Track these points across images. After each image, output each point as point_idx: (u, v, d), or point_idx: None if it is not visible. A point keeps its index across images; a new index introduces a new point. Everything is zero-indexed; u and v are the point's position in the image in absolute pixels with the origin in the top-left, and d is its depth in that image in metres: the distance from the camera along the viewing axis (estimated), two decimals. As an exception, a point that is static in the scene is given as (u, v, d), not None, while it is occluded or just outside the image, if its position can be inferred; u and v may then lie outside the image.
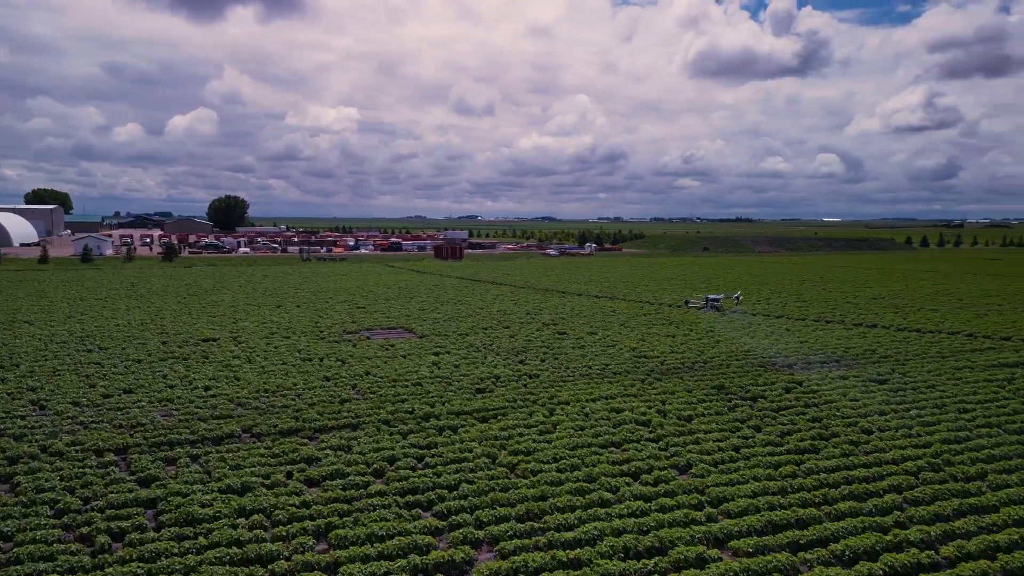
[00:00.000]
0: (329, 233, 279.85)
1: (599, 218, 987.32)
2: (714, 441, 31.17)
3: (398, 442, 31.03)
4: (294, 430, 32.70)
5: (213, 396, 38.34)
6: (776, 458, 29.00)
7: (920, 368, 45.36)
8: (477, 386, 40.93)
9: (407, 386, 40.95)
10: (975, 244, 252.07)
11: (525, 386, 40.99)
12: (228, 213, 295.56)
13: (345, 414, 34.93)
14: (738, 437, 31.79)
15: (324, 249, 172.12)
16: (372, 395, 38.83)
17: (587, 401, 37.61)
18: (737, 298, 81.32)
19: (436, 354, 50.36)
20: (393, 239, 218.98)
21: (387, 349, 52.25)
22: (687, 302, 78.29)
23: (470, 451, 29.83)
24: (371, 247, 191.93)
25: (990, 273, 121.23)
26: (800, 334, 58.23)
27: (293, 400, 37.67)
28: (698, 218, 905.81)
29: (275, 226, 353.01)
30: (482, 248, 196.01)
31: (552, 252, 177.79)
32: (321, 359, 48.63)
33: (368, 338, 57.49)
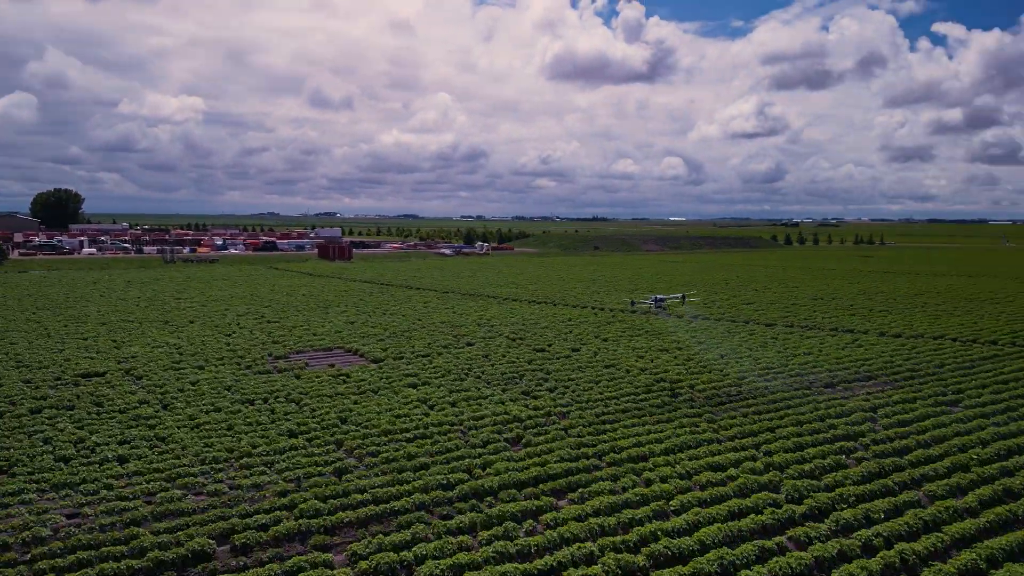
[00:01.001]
0: (182, 231, 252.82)
1: (461, 216, 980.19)
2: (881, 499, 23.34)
3: (470, 549, 20.75)
4: (298, 535, 21.53)
5: (140, 476, 26.00)
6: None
7: (970, 382, 40.28)
8: (504, 434, 31.06)
9: (411, 439, 30.35)
10: (830, 242, 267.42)
11: (567, 432, 31.55)
12: (59, 209, 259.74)
13: (357, 496, 24.05)
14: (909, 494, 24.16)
15: (187, 249, 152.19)
16: (371, 459, 27.99)
17: (664, 453, 28.79)
18: (683, 299, 78.11)
19: (413, 386, 39.71)
20: (266, 238, 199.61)
21: (343, 380, 40.89)
22: (632, 303, 74.31)
23: (589, 559, 20.13)
24: (241, 247, 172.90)
25: (897, 272, 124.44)
26: (793, 344, 52.46)
27: (266, 475, 26.12)
28: (558, 217, 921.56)
29: (115, 223, 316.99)
30: (366, 247, 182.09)
31: (447, 251, 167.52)
32: (264, 399, 36.70)
33: (307, 364, 45.62)
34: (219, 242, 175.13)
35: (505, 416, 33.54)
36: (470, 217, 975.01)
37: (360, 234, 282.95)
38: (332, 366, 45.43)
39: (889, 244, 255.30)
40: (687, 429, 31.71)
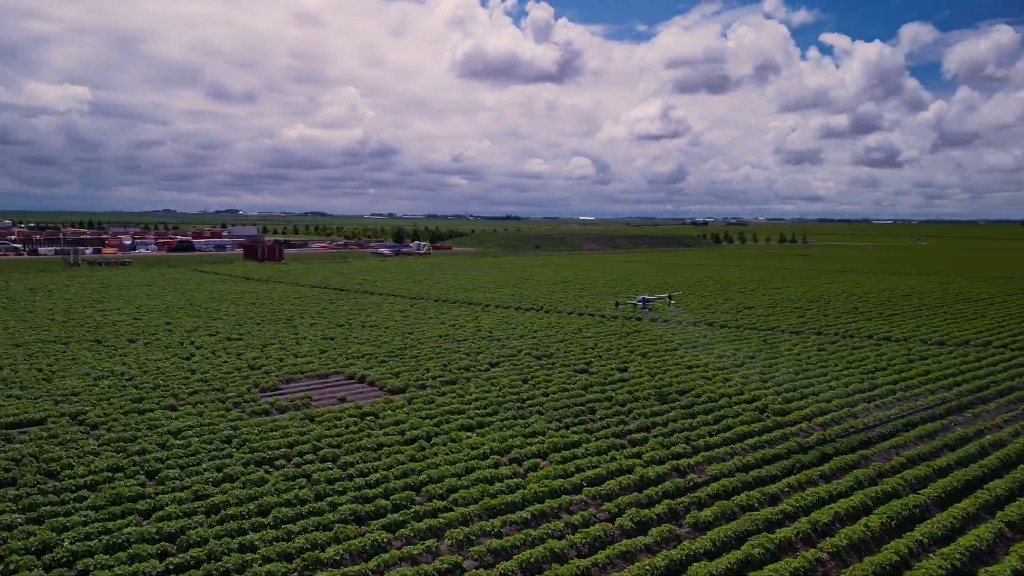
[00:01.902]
0: (75, 229, 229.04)
1: (371, 214, 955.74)
2: None
3: None
4: None
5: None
6: None
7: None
8: (654, 508, 23.02)
9: (530, 522, 21.89)
10: (756, 241, 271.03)
11: (727, 498, 23.79)
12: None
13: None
14: None
15: (91, 250, 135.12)
16: (505, 563, 19.42)
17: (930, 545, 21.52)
18: (669, 299, 74.05)
19: (468, 429, 31.05)
20: (181, 237, 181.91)
21: (373, 422, 31.73)
22: (617, 304, 71.99)
23: None
24: (153, 247, 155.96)
25: (856, 271, 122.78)
26: (852, 357, 46.63)
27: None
28: (471, 215, 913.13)
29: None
30: (292, 247, 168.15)
31: (385, 251, 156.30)
32: (286, 456, 27.24)
33: (311, 400, 36.01)
34: (127, 241, 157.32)
35: (630, 477, 25.40)
36: (381, 215, 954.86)
37: (276, 232, 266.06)
38: (343, 399, 36.04)
39: (811, 243, 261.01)
40: (875, 491, 24.56)
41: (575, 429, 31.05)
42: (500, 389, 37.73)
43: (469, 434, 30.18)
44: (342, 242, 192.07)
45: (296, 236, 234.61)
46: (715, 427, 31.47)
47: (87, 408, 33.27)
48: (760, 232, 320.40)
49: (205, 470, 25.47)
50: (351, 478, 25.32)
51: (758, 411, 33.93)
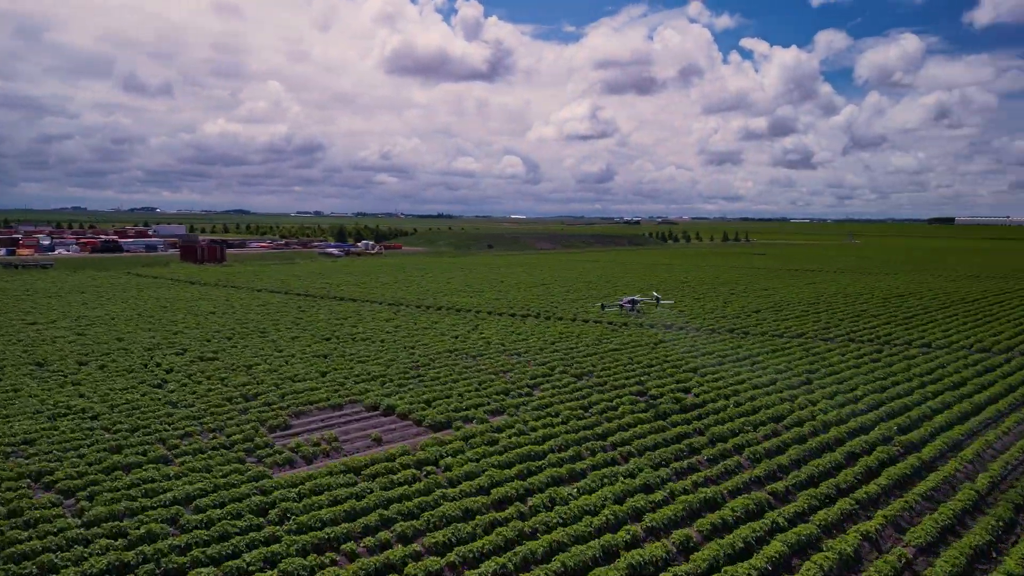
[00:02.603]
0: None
1: (297, 212, 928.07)
2: None
3: None
4: None
5: None
6: None
7: None
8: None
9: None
10: (700, 239, 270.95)
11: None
12: None
13: None
14: None
15: (3, 251, 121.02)
16: None
17: None
18: (657, 300, 70.77)
19: (558, 480, 24.69)
20: (106, 236, 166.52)
21: (433, 471, 25.02)
22: (603, 307, 69.24)
23: None
24: (75, 247, 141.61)
25: (824, 270, 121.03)
26: (928, 369, 42.39)
27: None
28: (402, 214, 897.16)
29: None
30: (231, 247, 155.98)
31: (334, 251, 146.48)
32: (351, 536, 20.28)
33: (338, 442, 28.85)
34: (45, 242, 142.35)
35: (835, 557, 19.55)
36: (307, 213, 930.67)
37: (204, 231, 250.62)
38: (379, 440, 29.07)
39: (753, 242, 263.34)
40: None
41: (693, 478, 25.06)
42: (564, 421, 31.43)
43: (569, 489, 23.80)
44: (282, 242, 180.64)
45: (232, 235, 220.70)
46: (883, 482, 25.98)
47: (51, 463, 25.26)
48: (689, 230, 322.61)
49: (250, 568, 18.27)
50: (458, 571, 18.61)
51: (862, 444, 28.72)
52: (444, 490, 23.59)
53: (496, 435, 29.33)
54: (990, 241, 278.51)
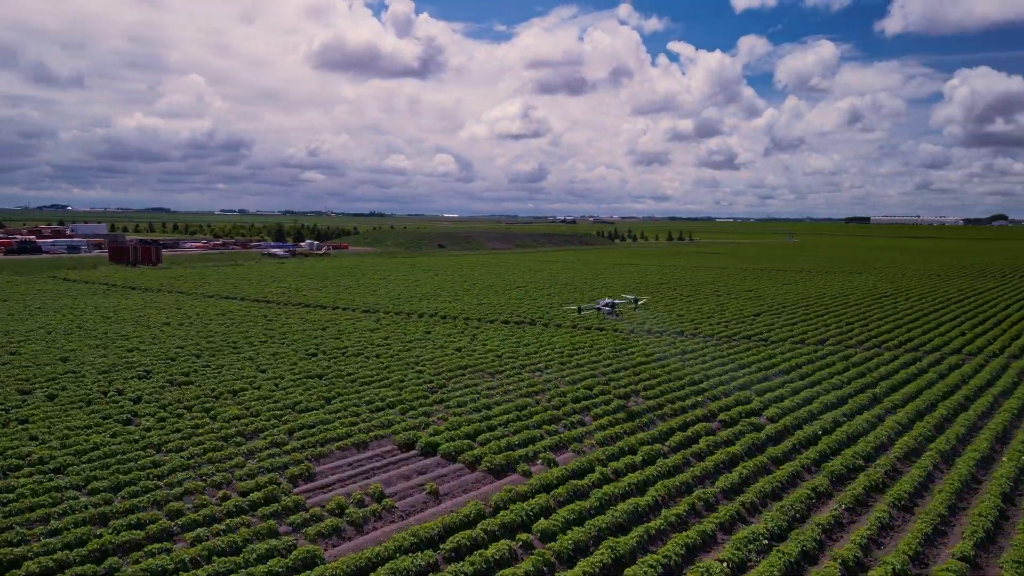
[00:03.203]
0: None
1: (221, 210, 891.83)
2: None
3: None
4: None
5: None
6: None
7: None
8: None
9: None
10: (645, 239, 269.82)
11: None
12: None
13: None
14: None
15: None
16: None
17: None
18: (635, 303, 68.07)
19: (696, 546, 19.54)
20: (22, 236, 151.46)
21: (534, 542, 19.45)
22: (580, 309, 65.10)
23: None
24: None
25: (788, 269, 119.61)
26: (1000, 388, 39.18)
27: None
28: (332, 211, 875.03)
29: None
30: (163, 247, 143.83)
31: (279, 252, 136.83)
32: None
33: (385, 495, 22.95)
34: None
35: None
36: (232, 211, 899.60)
37: (125, 230, 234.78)
38: (436, 494, 23.30)
39: (698, 241, 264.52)
40: None
41: (855, 539, 20.24)
42: (648, 461, 26.33)
43: (720, 567, 18.57)
44: (219, 242, 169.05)
45: (159, 235, 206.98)
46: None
47: (14, 549, 18.51)
48: (622, 228, 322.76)
49: None
50: None
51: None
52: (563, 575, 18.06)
53: (578, 483, 23.93)
54: (917, 240, 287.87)
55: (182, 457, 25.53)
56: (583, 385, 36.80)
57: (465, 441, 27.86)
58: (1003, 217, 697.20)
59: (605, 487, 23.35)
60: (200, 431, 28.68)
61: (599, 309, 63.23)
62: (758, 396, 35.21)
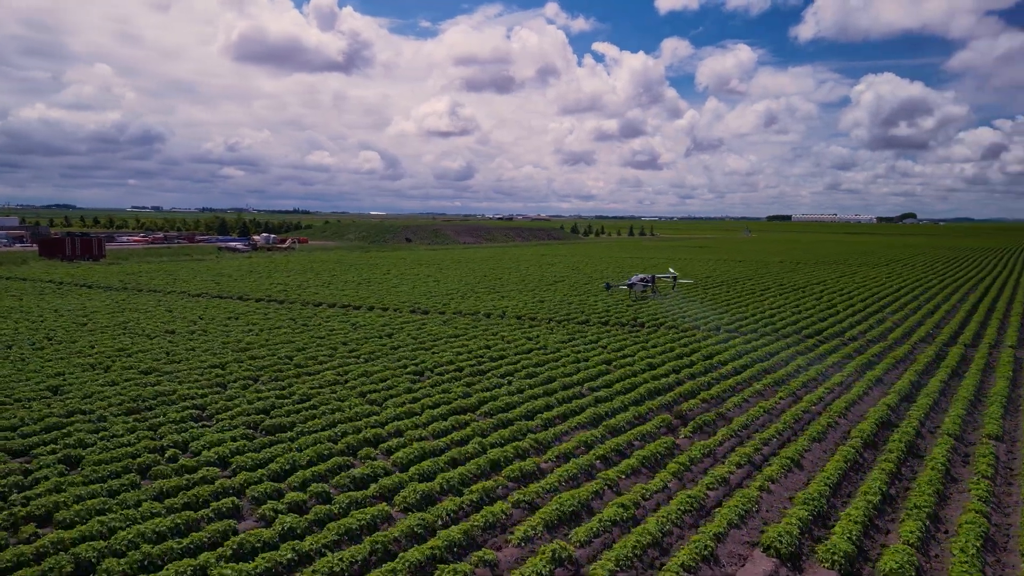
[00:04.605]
0: None
1: (133, 207, 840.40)
2: None
3: None
4: None
5: None
6: None
7: None
8: None
9: None
10: (607, 234, 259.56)
11: None
12: None
13: None
14: None
15: None
16: None
17: None
18: (674, 279, 66.23)
19: None
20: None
21: None
22: (607, 286, 62.91)
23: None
24: None
25: (793, 263, 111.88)
26: None
27: None
28: (252, 208, 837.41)
29: None
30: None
31: (239, 246, 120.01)
32: None
33: None
34: None
35: None
36: (144, 208, 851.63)
37: (38, 224, 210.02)
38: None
39: (658, 236, 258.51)
40: None
41: None
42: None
43: None
44: (160, 235, 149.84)
45: (86, 229, 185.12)
46: None
47: None
48: (631, 226, 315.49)
49: None
50: None
51: None
52: None
53: None
54: (849, 236, 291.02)
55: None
56: (805, 423, 25.76)
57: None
58: (912, 215, 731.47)
59: None
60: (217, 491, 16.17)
61: (631, 287, 58.01)
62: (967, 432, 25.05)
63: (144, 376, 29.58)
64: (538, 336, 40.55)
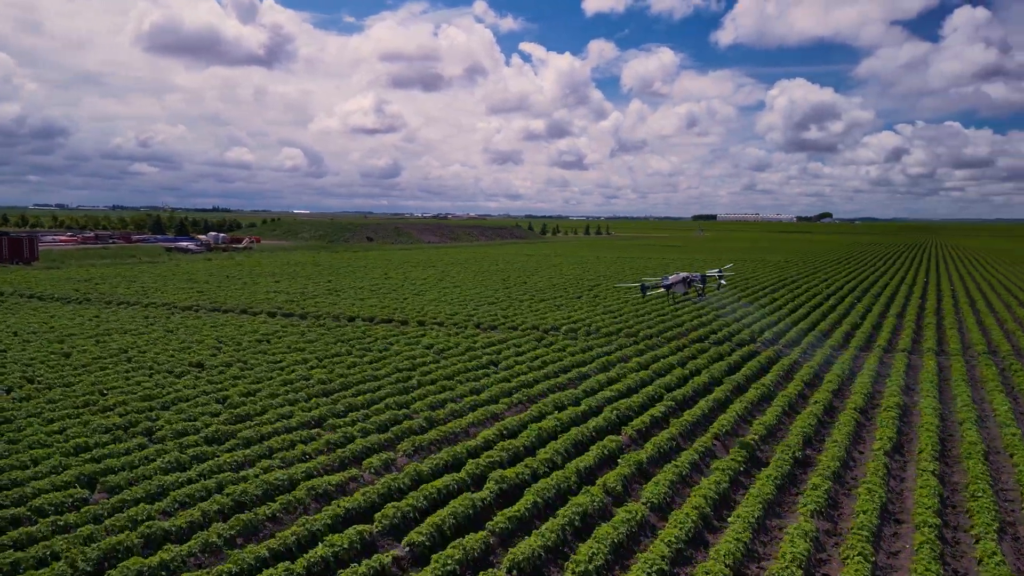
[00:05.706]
0: None
1: (35, 204, 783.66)
2: None
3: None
4: None
5: None
6: None
7: None
8: None
9: None
10: (565, 234, 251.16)
11: None
12: None
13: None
14: None
15: None
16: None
17: None
18: (720, 278, 55.01)
19: None
20: None
21: None
22: (643, 289, 49.01)
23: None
24: None
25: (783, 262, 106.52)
26: None
27: None
28: (168, 206, 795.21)
29: None
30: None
31: (191, 246, 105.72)
32: None
33: None
34: None
35: None
36: (47, 206, 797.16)
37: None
38: None
39: (615, 234, 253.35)
40: None
41: None
42: None
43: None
44: (90, 235, 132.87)
45: (7, 227, 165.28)
46: None
47: None
48: (586, 226, 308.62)
49: None
50: None
51: None
52: None
53: None
54: (793, 234, 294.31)
55: None
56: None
57: None
58: (829, 215, 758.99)
59: None
60: None
61: (669, 288, 49.25)
62: None
63: (228, 454, 19.26)
64: (668, 362, 31.84)
